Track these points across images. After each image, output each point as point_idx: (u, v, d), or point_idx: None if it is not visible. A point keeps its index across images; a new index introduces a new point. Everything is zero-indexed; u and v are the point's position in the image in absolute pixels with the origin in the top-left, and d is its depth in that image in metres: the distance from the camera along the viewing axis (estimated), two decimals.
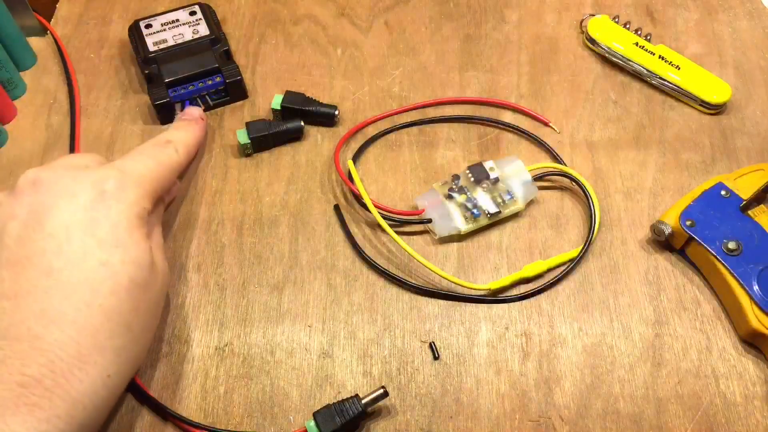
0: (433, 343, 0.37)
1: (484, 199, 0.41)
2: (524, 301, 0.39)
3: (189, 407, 0.35)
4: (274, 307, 0.39)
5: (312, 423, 0.34)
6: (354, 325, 0.38)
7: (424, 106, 0.47)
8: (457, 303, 0.39)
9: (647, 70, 0.48)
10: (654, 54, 0.48)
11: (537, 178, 0.43)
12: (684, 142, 0.46)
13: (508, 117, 0.47)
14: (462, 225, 0.40)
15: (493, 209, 0.41)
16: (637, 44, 0.49)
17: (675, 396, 0.36)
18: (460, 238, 0.41)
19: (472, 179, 0.41)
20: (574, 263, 0.40)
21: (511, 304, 0.39)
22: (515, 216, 0.42)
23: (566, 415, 0.35)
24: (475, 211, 0.40)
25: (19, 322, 0.28)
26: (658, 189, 0.44)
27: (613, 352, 0.37)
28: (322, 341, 0.38)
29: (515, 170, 0.42)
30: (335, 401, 0.34)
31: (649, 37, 0.50)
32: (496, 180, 0.41)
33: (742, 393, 0.36)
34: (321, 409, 0.34)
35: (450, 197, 0.41)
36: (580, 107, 0.48)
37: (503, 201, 0.41)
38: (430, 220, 0.41)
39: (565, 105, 0.48)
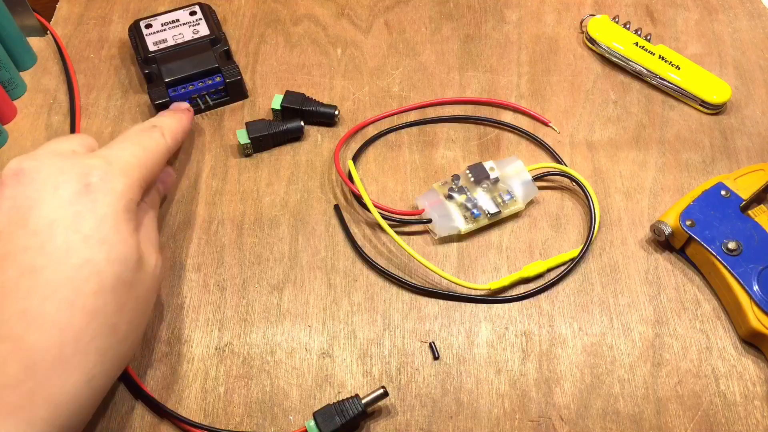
0: (433, 343, 0.37)
1: (484, 199, 0.41)
2: (524, 301, 0.39)
3: (189, 407, 0.35)
4: (274, 307, 0.39)
5: (312, 423, 0.34)
6: (354, 325, 0.38)
7: (424, 106, 0.47)
8: (457, 303, 0.39)
9: (647, 70, 0.48)
10: (654, 54, 0.48)
11: (537, 178, 0.43)
12: (684, 142, 0.46)
13: (508, 117, 0.47)
14: (462, 225, 0.40)
15: (493, 209, 0.41)
16: (637, 44, 0.49)
17: (675, 396, 0.36)
18: (460, 238, 0.41)
19: (472, 179, 0.42)
20: (574, 263, 0.40)
21: (511, 304, 0.39)
22: (515, 216, 0.42)
23: (566, 415, 0.35)
24: (475, 211, 0.40)
25: (2, 322, 0.27)
26: (658, 189, 0.44)
27: (613, 352, 0.37)
28: (322, 341, 0.38)
29: (515, 170, 0.42)
30: (335, 401, 0.34)
31: (649, 37, 0.50)
32: (496, 180, 0.41)
33: (742, 393, 0.36)
34: (321, 409, 0.34)
35: (450, 197, 0.41)
36: (580, 107, 0.48)
37: (503, 201, 0.41)
38: (430, 220, 0.41)
39: (565, 105, 0.48)
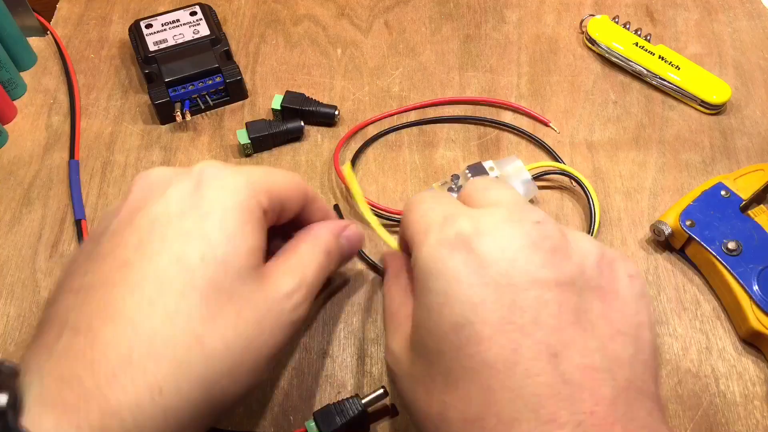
0: None
1: None
2: None
3: None
4: None
5: (312, 423, 0.34)
6: (354, 325, 0.38)
7: (424, 107, 0.47)
8: None
9: (647, 70, 0.48)
10: (654, 54, 0.48)
11: (536, 178, 0.43)
12: (684, 142, 0.46)
13: (508, 117, 0.47)
14: None
15: None
16: (636, 44, 0.49)
17: (675, 396, 0.36)
18: None
19: (471, 179, 0.41)
20: None
21: None
22: None
23: None
24: None
25: (85, 315, 0.25)
26: (658, 189, 0.44)
27: None
28: (322, 341, 0.38)
29: (515, 170, 0.42)
30: (335, 401, 0.34)
31: (649, 37, 0.50)
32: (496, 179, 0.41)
33: (742, 393, 0.36)
34: (321, 408, 0.34)
35: None
36: (580, 107, 0.48)
37: None
38: None
39: (565, 105, 0.48)
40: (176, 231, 0.26)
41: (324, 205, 0.34)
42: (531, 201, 0.43)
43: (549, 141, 0.45)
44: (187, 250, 0.26)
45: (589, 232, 0.41)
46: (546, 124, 0.47)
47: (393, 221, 0.41)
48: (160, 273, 0.25)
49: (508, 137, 0.46)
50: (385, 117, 0.47)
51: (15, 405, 0.22)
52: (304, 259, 0.30)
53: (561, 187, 0.44)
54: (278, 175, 0.30)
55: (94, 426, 0.23)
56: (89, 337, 0.24)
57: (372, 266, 0.40)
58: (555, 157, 0.45)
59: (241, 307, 0.26)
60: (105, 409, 0.23)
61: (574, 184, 0.43)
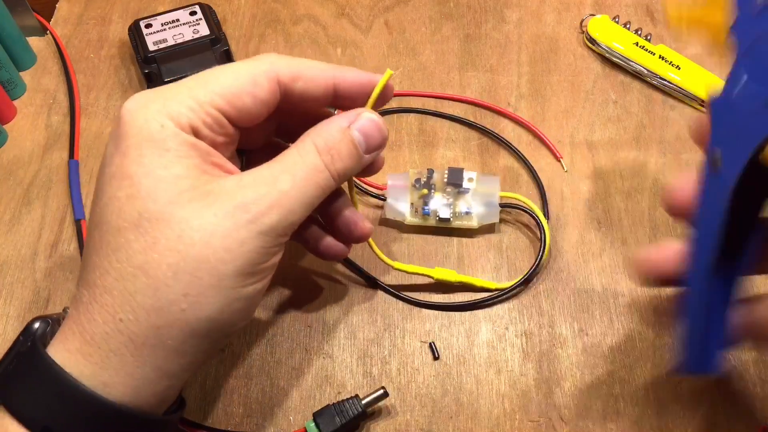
0: (433, 343, 0.37)
1: (441, 202, 0.41)
2: (524, 302, 0.39)
3: (189, 407, 0.35)
4: (273, 306, 0.39)
5: (312, 423, 0.34)
6: (354, 325, 0.38)
7: (425, 96, 0.48)
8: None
9: (647, 70, 0.48)
10: (654, 54, 0.48)
11: (506, 206, 0.41)
12: (684, 142, 0.46)
13: (509, 123, 0.47)
14: (407, 214, 0.41)
15: (444, 215, 0.40)
16: (637, 44, 0.49)
17: (675, 396, 0.36)
18: (405, 228, 0.41)
19: (446, 180, 0.41)
20: (501, 294, 0.39)
21: (512, 304, 0.39)
22: (516, 216, 0.42)
23: (566, 416, 0.35)
24: (426, 208, 0.40)
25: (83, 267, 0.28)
26: (659, 189, 0.44)
27: (613, 352, 0.37)
28: (322, 341, 0.38)
29: (489, 189, 0.41)
30: (335, 401, 0.34)
31: (649, 37, 0.49)
32: (466, 191, 0.41)
33: (742, 393, 0.36)
34: (321, 409, 0.34)
35: (414, 187, 0.41)
36: (580, 107, 0.48)
37: (459, 212, 0.41)
38: (385, 199, 0.41)
39: (565, 105, 0.48)
40: (108, 177, 0.27)
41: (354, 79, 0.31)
42: (491, 226, 0.42)
43: (544, 164, 0.45)
44: (116, 192, 0.27)
45: (533, 270, 0.40)
46: (558, 159, 0.45)
47: (358, 188, 0.41)
48: (100, 218, 0.27)
49: (510, 140, 0.46)
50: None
51: (45, 330, 0.28)
52: (286, 162, 0.28)
53: (562, 189, 0.44)
54: (215, 84, 0.28)
55: (81, 351, 0.26)
56: (79, 282, 0.28)
57: (362, 275, 0.40)
58: (539, 185, 0.43)
59: (182, 230, 0.26)
60: (84, 338, 0.26)
61: (536, 225, 0.41)
